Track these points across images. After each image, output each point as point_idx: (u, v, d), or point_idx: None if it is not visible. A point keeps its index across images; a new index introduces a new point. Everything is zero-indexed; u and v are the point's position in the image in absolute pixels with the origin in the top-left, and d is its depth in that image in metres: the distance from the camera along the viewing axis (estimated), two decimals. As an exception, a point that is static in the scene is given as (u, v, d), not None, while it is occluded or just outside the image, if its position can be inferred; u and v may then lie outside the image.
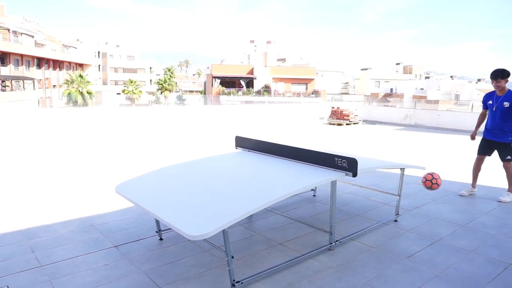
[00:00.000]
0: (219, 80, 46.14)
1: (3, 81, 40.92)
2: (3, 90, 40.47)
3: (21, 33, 44.84)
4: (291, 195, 3.28)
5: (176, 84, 68.21)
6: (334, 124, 16.39)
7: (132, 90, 55.57)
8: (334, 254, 3.75)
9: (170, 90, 61.82)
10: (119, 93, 61.94)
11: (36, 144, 10.42)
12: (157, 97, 63.48)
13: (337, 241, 3.90)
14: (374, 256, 3.70)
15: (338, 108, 16.69)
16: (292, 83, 47.13)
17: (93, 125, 14.56)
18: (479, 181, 5.95)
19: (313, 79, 47.95)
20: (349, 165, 3.62)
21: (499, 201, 5.46)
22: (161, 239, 4.07)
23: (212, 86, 45.81)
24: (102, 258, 3.64)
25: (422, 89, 47.23)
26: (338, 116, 16.31)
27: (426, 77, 71.58)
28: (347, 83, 73.93)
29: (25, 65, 45.10)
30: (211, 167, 4.26)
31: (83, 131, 13.47)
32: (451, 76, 78.38)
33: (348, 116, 16.09)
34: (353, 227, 4.42)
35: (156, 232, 4.10)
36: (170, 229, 4.14)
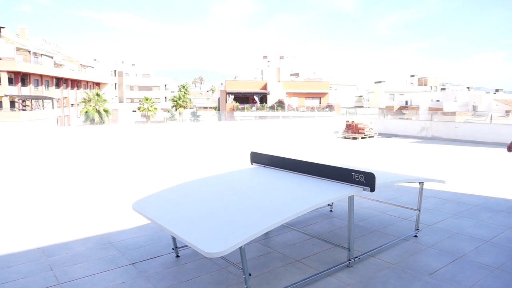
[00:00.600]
0: (233, 96, 46.50)
1: (23, 101, 42.09)
2: (23, 110, 41.58)
3: (41, 54, 46.25)
4: (308, 211, 3.24)
5: (191, 100, 69.00)
6: (349, 138, 16.26)
7: (148, 108, 56.37)
8: (353, 271, 3.66)
9: (184, 106, 62.53)
10: (135, 111, 62.92)
11: (55, 162, 10.60)
12: (172, 114, 64.22)
13: (356, 257, 3.82)
14: (395, 273, 3.61)
15: (353, 121, 16.58)
16: (306, 97, 47.15)
17: (109, 142, 14.77)
18: (501, 195, 5.79)
19: (326, 93, 47.89)
20: (367, 180, 3.57)
21: None
22: (177, 256, 4.05)
23: (226, 102, 46.15)
24: (120, 275, 3.64)
25: (438, 101, 46.65)
26: (353, 130, 16.20)
27: (442, 89, 70.81)
28: (361, 96, 73.64)
29: (45, 85, 46.36)
30: (227, 183, 4.25)
31: (100, 148, 13.67)
32: (468, 87, 77.40)
33: (363, 129, 15.96)
34: (372, 243, 4.33)
35: (173, 249, 4.09)
36: (186, 246, 4.12)
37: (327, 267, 3.69)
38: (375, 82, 67.93)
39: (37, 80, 44.95)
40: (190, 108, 68.61)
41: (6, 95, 39.38)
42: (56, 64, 49.55)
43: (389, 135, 17.04)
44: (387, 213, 5.50)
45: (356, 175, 3.64)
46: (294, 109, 44.02)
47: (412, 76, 70.64)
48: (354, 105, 66.20)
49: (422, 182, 4.47)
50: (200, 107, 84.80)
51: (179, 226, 3.12)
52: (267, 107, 44.29)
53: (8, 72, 39.55)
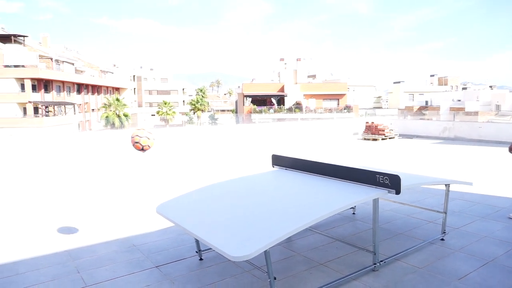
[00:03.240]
0: (250, 99, 46.59)
1: (46, 107, 43.19)
2: (47, 115, 42.67)
3: (63, 61, 47.40)
4: (333, 214, 3.20)
5: (208, 104, 69.52)
6: (369, 139, 16.06)
7: (166, 111, 57.05)
8: (379, 275, 3.60)
9: (202, 110, 63.00)
10: (154, 115, 63.78)
11: (78, 166, 10.82)
12: (190, 117, 64.81)
13: (381, 261, 3.75)
14: (422, 277, 3.52)
15: (372, 123, 16.36)
16: (324, 99, 46.85)
17: (130, 146, 14.96)
18: (531, 196, 5.60)
19: (344, 94, 47.47)
20: (392, 182, 3.51)
21: None
22: (201, 259, 4.06)
23: (243, 104, 46.28)
24: (145, 278, 3.67)
25: (459, 100, 45.59)
26: (373, 131, 15.98)
27: (463, 88, 69.24)
28: (379, 97, 72.68)
29: (66, 91, 47.47)
30: (249, 186, 4.24)
31: (121, 152, 13.86)
32: (490, 86, 75.45)
33: (384, 130, 15.73)
34: (397, 246, 4.25)
35: (196, 252, 4.10)
36: (210, 249, 4.13)
37: (352, 271, 3.63)
38: (394, 83, 66.98)
39: (59, 86, 46.06)
40: (208, 111, 69.11)
41: (30, 102, 40.49)
42: (77, 71, 50.69)
43: (410, 136, 16.75)
44: (412, 215, 5.39)
45: (381, 177, 3.58)
46: (312, 111, 43.80)
47: (432, 75, 69.35)
48: (373, 106, 65.37)
49: (448, 184, 4.36)
50: (218, 110, 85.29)
51: (203, 229, 3.13)
52: (284, 109, 44.20)
53: (32, 79, 40.66)
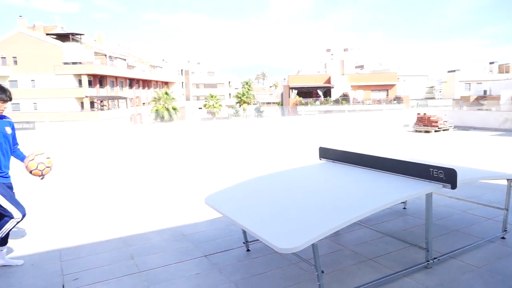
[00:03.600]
0: (296, 91, 46.27)
1: (101, 101, 45.57)
2: (101, 109, 45.04)
3: (116, 57, 49.68)
4: (383, 208, 3.10)
5: (254, 96, 69.89)
6: (421, 132, 15.39)
7: (213, 104, 58.13)
8: (432, 272, 3.45)
9: (248, 102, 63.47)
10: (201, 108, 65.23)
11: (130, 157, 11.33)
12: (236, 110, 65.61)
13: (435, 258, 3.60)
14: (481, 277, 3.34)
15: (424, 114, 15.65)
16: (372, 90, 45.50)
17: (178, 139, 15.43)
18: None
19: (394, 84, 45.79)
20: (447, 176, 3.34)
21: None
22: (248, 250, 4.12)
23: (289, 97, 46.08)
24: (194, 267, 3.78)
25: (522, 89, 42.34)
26: (425, 123, 15.28)
27: (527, 76, 64.10)
28: (432, 87, 69.37)
29: (119, 86, 49.77)
30: (296, 178, 4.22)
31: (170, 144, 14.33)
32: (559, 73, 69.23)
33: (437, 122, 15.00)
34: (452, 243, 4.05)
35: (244, 243, 4.16)
36: (257, 240, 4.17)
37: (403, 267, 3.51)
38: (448, 71, 63.50)
39: (113, 81, 48.39)
40: (254, 104, 69.51)
41: (86, 96, 42.92)
42: (128, 66, 52.93)
43: (466, 128, 15.84)
44: (468, 211, 5.11)
45: (435, 171, 3.41)
46: (359, 102, 42.71)
47: (491, 63, 64.85)
48: (425, 96, 62.51)
49: (511, 179, 4.07)
50: (263, 103, 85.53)
51: (250, 220, 3.16)
52: (331, 101, 43.47)
53: (88, 75, 43.05)
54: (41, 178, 3.80)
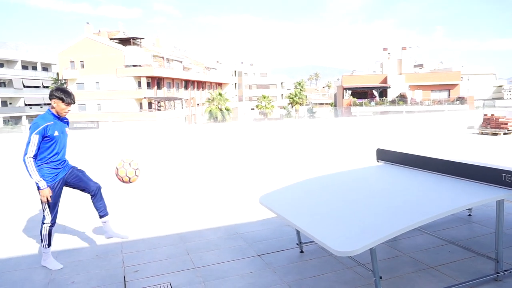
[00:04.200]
0: (350, 91, 45.20)
1: (159, 102, 47.54)
2: (159, 110, 46.99)
3: (172, 60, 51.59)
4: (448, 214, 2.92)
5: (306, 97, 69.28)
6: (487, 134, 14.37)
7: (265, 105, 58.40)
8: (503, 285, 3.19)
9: (300, 103, 63.05)
10: (253, 108, 65.83)
11: (186, 156, 11.70)
12: (288, 111, 65.43)
13: (506, 270, 3.32)
14: (560, 294, 3.03)
15: (492, 115, 14.59)
16: (432, 90, 43.24)
17: (231, 139, 15.68)
18: None
19: (457, 84, 43.17)
20: (522, 182, 3.07)
21: None
22: (302, 251, 4.07)
23: (343, 97, 45.11)
24: (248, 265, 3.80)
25: None
26: (493, 125, 14.24)
27: None
28: (500, 86, 64.65)
29: (175, 87, 51.62)
30: (353, 180, 4.11)
31: (223, 144, 14.61)
32: None
33: (506, 124, 13.91)
34: (525, 255, 3.72)
35: (297, 244, 4.12)
36: (311, 242, 4.11)
37: (469, 278, 3.28)
38: (519, 70, 58.68)
39: (169, 83, 50.29)
40: (306, 104, 68.91)
41: (145, 97, 44.98)
42: (184, 68, 54.72)
43: (540, 131, 14.54)
44: (544, 221, 4.67)
45: (508, 176, 3.15)
46: (418, 103, 40.78)
47: None
48: (492, 96, 58.36)
49: None
50: (316, 104, 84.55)
51: (306, 222, 3.12)
52: (387, 102, 41.95)
53: (147, 77, 45.09)
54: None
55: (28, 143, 3.53)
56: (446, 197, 3.21)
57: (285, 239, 4.44)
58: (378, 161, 4.72)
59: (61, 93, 3.66)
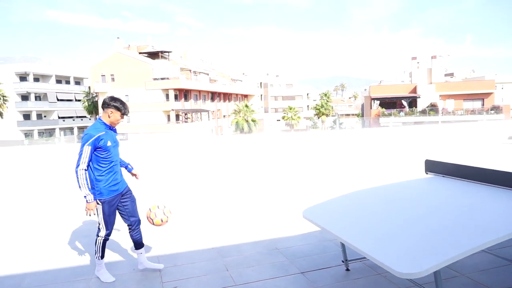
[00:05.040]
0: (378, 102, 44.38)
1: (186, 114, 48.15)
2: (186, 122, 47.55)
3: (199, 72, 52.32)
4: (521, 233, 2.62)
5: (332, 108, 68.62)
6: (530, 144, 13.62)
7: (291, 116, 58.19)
8: None
9: (327, 114, 62.49)
10: (279, 120, 65.73)
11: (215, 168, 11.60)
12: (314, 122, 64.93)
13: None
14: None
15: (534, 125, 13.84)
16: (464, 99, 41.86)
17: (257, 150, 15.51)
18: None
19: (491, 93, 41.64)
20: None
21: None
22: (347, 269, 3.82)
23: (370, 108, 44.32)
24: (291, 283, 3.59)
25: None
26: (536, 135, 13.50)
27: None
28: (536, 95, 61.77)
29: (202, 99, 52.21)
30: (405, 194, 3.84)
31: (252, 155, 14.46)
32: None
33: (551, 134, 13.16)
34: None
35: (343, 261, 3.87)
36: (357, 259, 3.86)
37: (541, 304, 2.95)
38: (558, 77, 56.11)
39: (196, 95, 50.92)
40: (332, 115, 68.25)
41: (172, 110, 45.65)
42: (211, 80, 55.36)
43: None
44: None
45: None
46: (449, 112, 39.53)
47: None
48: (528, 105, 55.86)
49: None
50: (342, 114, 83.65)
51: (360, 239, 2.88)
52: (417, 112, 40.89)
53: (174, 89, 45.83)
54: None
55: (81, 154, 3.40)
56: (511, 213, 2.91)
57: (329, 256, 4.20)
58: (427, 173, 4.43)
59: (119, 103, 3.56)
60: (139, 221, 3.84)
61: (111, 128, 3.63)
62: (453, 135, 16.33)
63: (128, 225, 3.82)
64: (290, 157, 13.46)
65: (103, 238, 3.66)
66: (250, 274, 3.84)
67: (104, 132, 3.50)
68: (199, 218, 5.96)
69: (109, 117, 3.55)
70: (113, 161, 3.59)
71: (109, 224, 3.64)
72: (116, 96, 3.75)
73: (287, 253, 4.35)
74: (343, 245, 3.74)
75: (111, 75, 46.74)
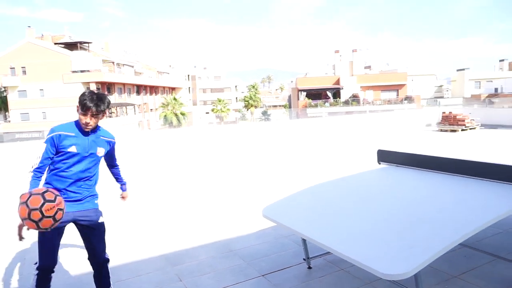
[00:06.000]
0: (305, 93, 45.78)
1: (110, 109, 45.40)
2: (110, 117, 44.81)
3: (123, 64, 49.52)
4: (492, 223, 2.62)
5: (260, 99, 69.46)
6: (446, 131, 14.83)
7: (221, 109, 57.79)
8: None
9: (255, 106, 63.09)
10: (208, 112, 64.90)
11: (142, 165, 10.90)
12: (243, 114, 65.25)
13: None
14: None
15: (450, 112, 15.10)
16: (382, 90, 44.86)
17: (187, 144, 14.80)
18: None
19: (404, 84, 45.13)
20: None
21: None
22: (309, 267, 3.65)
23: (298, 99, 45.59)
24: (254, 289, 3.32)
25: (535, 85, 41.63)
26: (451, 122, 14.73)
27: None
28: (440, 86, 68.52)
29: (127, 93, 49.56)
30: (361, 187, 3.75)
31: (181, 149, 13.84)
32: None
33: (463, 121, 14.44)
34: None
35: (304, 259, 3.70)
36: (317, 256, 3.71)
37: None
38: (458, 70, 62.71)
39: (120, 88, 48.19)
40: (261, 107, 69.12)
41: (95, 104, 42.65)
42: (136, 73, 52.75)
43: (493, 126, 15.27)
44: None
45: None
46: (369, 103, 42.11)
47: (501, 60, 63.95)
48: (434, 95, 61.73)
49: None
50: (270, 106, 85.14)
51: (334, 240, 2.69)
52: (341, 103, 42.93)
53: (96, 82, 42.85)
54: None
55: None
56: (482, 202, 2.93)
57: (288, 254, 4.01)
58: (379, 163, 4.42)
59: (86, 97, 2.64)
60: (104, 262, 2.91)
61: (89, 133, 2.73)
62: (379, 123, 17.24)
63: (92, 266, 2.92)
64: (222, 150, 13.12)
65: (36, 273, 2.65)
66: (207, 282, 3.50)
67: (73, 134, 2.67)
68: (140, 223, 5.42)
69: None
70: (69, 178, 2.68)
71: (44, 254, 2.65)
72: (93, 90, 2.88)
73: (243, 254, 4.08)
74: (304, 243, 3.56)
75: (22, 67, 42.25)
